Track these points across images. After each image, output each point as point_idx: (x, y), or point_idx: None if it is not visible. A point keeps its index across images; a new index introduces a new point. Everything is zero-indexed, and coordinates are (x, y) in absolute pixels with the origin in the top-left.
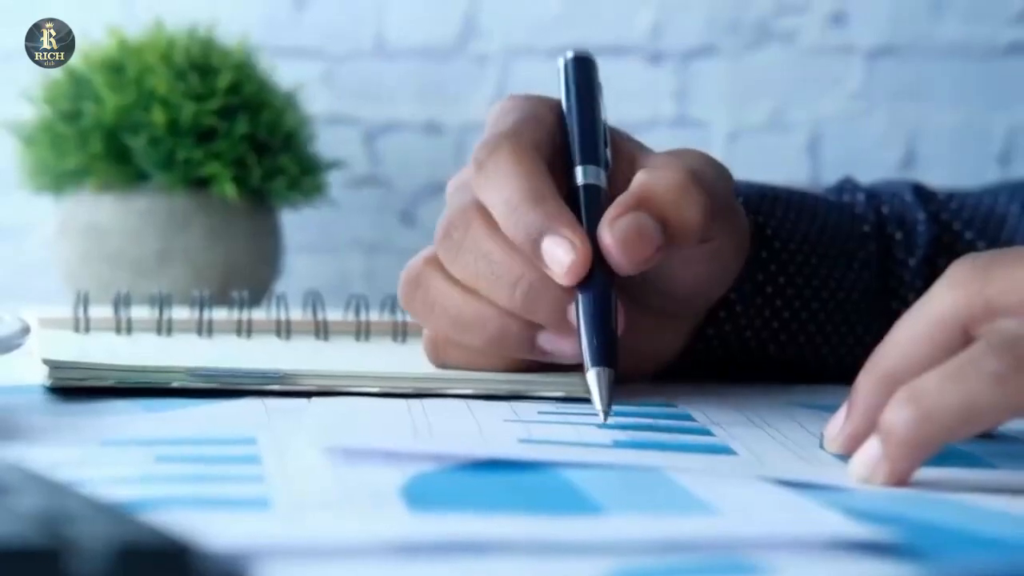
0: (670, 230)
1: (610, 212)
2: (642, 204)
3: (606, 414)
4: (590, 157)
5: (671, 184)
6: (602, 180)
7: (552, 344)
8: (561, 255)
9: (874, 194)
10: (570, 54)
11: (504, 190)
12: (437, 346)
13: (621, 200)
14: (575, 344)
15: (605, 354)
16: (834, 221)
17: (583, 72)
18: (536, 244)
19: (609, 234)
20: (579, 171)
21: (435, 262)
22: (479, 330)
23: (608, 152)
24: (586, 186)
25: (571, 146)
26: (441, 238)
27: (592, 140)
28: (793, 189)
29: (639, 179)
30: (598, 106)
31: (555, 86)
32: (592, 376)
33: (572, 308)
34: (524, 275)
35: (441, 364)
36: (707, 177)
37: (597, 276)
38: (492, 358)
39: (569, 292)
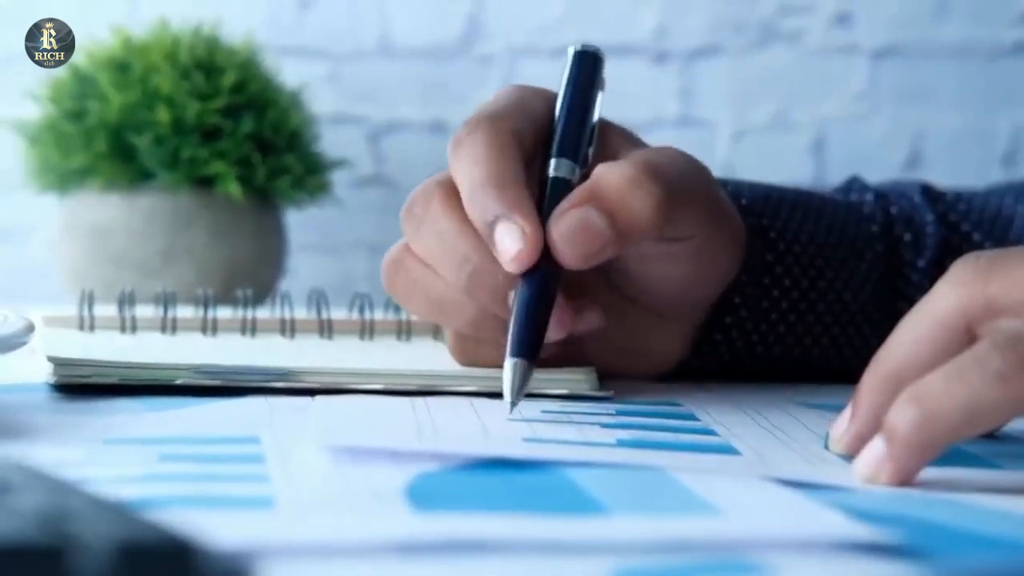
0: (619, 225)
1: (560, 207)
2: (592, 199)
3: (513, 405)
4: (567, 151)
5: (621, 178)
6: (575, 176)
7: None
8: (510, 243)
9: (883, 194)
10: (577, 47)
11: (473, 170)
12: (465, 346)
13: (573, 195)
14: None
15: (525, 346)
16: (841, 220)
17: (585, 67)
18: (491, 228)
19: (555, 229)
20: (552, 163)
21: None
22: (457, 314)
23: (591, 150)
24: (555, 179)
25: (552, 137)
26: (404, 214)
27: (575, 135)
28: (800, 189)
29: (594, 174)
30: (592, 103)
31: (559, 86)
32: (508, 366)
33: (512, 295)
34: (470, 256)
35: (468, 363)
36: (670, 171)
37: (542, 268)
38: None
39: (512, 279)
